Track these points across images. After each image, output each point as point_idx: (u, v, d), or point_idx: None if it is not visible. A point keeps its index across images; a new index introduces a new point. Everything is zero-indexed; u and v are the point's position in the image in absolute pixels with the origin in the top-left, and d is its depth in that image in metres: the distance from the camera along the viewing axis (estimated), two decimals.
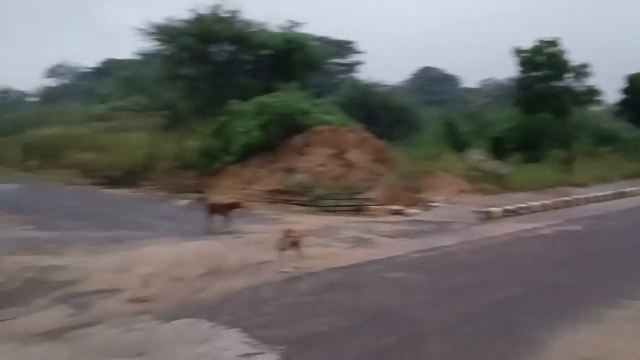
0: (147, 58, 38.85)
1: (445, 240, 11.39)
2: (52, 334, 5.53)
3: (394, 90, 45.91)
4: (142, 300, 6.78)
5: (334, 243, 10.95)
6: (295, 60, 26.55)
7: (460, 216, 14.68)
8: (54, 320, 6.00)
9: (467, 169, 21.83)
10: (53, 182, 23.43)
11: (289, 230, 9.02)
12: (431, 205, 16.73)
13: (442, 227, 13.27)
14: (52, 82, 64.43)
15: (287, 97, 21.74)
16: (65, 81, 63.49)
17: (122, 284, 7.48)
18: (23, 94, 62.61)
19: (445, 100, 52.01)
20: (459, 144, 26.48)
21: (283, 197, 17.44)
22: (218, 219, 12.05)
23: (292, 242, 8.80)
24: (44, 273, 7.95)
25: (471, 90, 62.53)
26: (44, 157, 27.57)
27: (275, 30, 28.78)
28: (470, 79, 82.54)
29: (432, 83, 61.59)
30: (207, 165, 20.88)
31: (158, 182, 21.23)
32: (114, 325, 5.84)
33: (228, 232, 11.64)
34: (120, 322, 5.93)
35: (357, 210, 15.86)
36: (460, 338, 5.63)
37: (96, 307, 6.50)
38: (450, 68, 70.67)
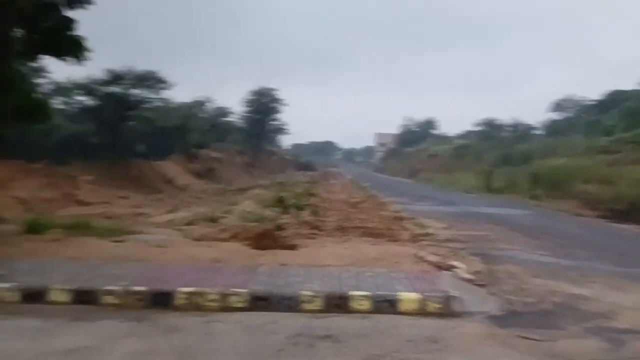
0: None
1: None
2: None
3: None
4: None
5: None
6: None
7: None
8: (590, 351, 6.06)
9: None
10: (556, 211, 24.13)
11: None
12: None
13: None
14: (556, 116, 67.54)
15: None
16: (569, 114, 64.92)
17: None
18: (529, 127, 67.74)
19: None
20: None
21: None
22: None
23: None
24: (570, 300, 8.16)
25: None
26: (548, 186, 28.85)
27: None
28: None
29: None
30: None
31: None
32: None
33: None
34: None
35: None
36: None
37: (631, 347, 6.22)
38: None
